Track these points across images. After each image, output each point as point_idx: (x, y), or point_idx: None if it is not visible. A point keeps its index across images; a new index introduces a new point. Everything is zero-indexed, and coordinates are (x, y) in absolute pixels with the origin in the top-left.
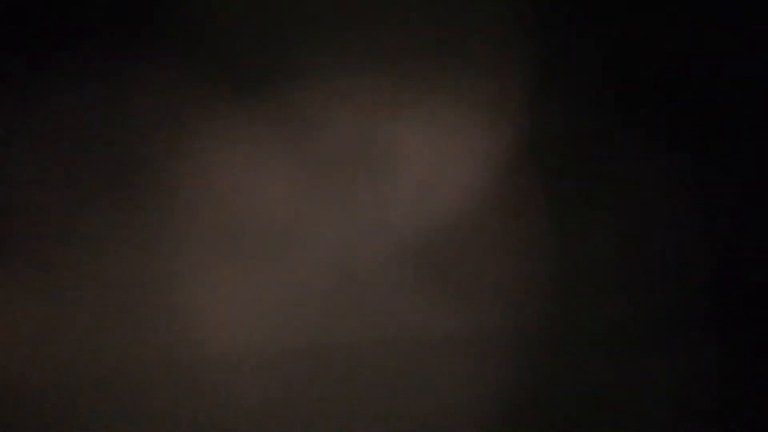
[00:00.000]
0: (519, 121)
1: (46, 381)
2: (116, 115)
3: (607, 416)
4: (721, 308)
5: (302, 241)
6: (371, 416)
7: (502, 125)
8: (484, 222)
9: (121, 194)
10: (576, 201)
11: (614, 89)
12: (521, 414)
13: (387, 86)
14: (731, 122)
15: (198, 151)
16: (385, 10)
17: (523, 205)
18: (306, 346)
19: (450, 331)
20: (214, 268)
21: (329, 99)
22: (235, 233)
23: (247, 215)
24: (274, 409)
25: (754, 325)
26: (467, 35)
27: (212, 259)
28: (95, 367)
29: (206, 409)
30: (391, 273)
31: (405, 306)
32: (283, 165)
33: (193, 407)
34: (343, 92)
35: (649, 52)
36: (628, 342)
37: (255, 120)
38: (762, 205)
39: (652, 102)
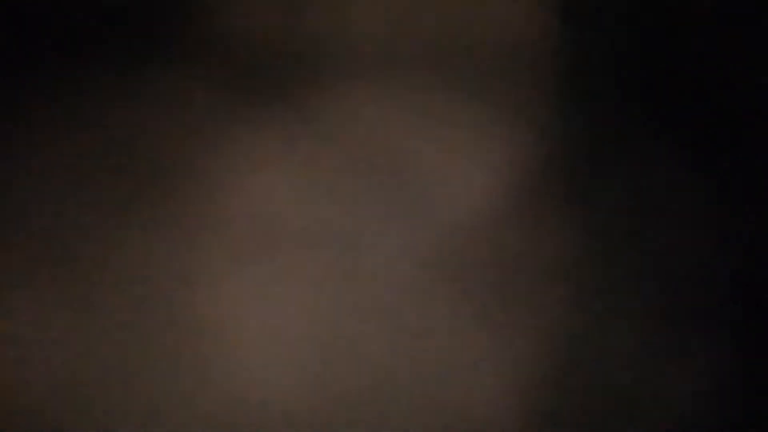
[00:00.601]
0: (541, 128)
1: (68, 378)
2: (143, 119)
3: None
4: (747, 315)
5: (323, 245)
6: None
7: (524, 133)
8: (505, 231)
9: (147, 197)
10: (599, 209)
11: (638, 95)
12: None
13: (407, 93)
14: (762, 128)
15: (223, 156)
16: (405, 17)
17: (546, 215)
18: (328, 352)
19: (471, 343)
20: (240, 268)
21: (352, 105)
22: (259, 235)
23: (270, 217)
24: (291, 406)
25: None
26: (487, 42)
27: (238, 260)
28: (120, 363)
29: (233, 407)
30: (410, 283)
31: (423, 315)
32: (305, 169)
33: (219, 404)
34: (364, 99)
35: (676, 57)
36: (653, 352)
37: (278, 126)
38: None
39: (677, 108)
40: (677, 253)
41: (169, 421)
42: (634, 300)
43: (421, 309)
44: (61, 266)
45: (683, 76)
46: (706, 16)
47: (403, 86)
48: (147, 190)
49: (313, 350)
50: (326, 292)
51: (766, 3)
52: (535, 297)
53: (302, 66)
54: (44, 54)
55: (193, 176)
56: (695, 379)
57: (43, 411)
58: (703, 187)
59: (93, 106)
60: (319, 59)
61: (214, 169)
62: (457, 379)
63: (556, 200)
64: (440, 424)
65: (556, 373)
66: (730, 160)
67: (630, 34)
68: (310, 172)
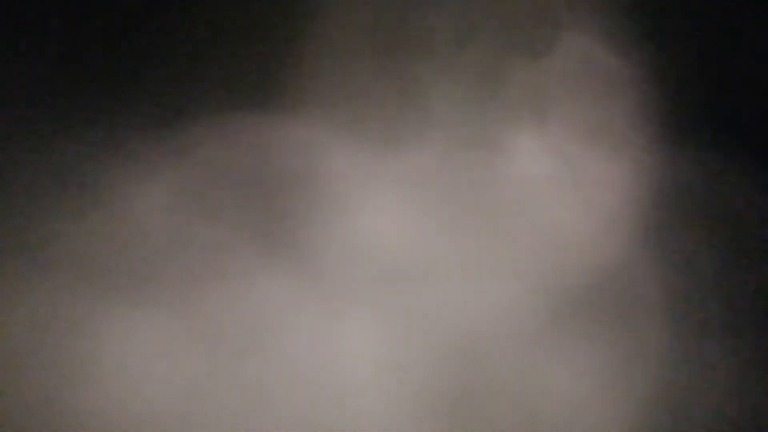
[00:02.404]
0: (646, 167)
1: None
2: (267, 165)
3: None
4: None
5: (438, 283)
6: None
7: (634, 176)
8: (620, 271)
9: (267, 230)
10: (705, 253)
11: (744, 134)
12: None
13: (510, 134)
14: None
15: (337, 196)
16: (512, 63)
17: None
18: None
19: (573, 390)
20: (355, 302)
21: (467, 148)
22: (370, 269)
23: (383, 254)
24: None
25: None
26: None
27: (354, 294)
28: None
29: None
30: (516, 323)
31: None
32: (415, 208)
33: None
34: (468, 141)
35: None
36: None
37: (390, 168)
38: None
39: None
40: None
41: None
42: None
43: (528, 356)
44: (191, 304)
45: None
46: None
47: (509, 128)
48: (268, 227)
49: (434, 386)
50: (444, 330)
51: None
52: (647, 331)
53: (406, 108)
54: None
55: (315, 216)
56: None
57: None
58: None
59: (222, 146)
60: (433, 110)
61: (332, 209)
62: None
63: (665, 247)
64: None
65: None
66: None
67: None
68: (428, 210)
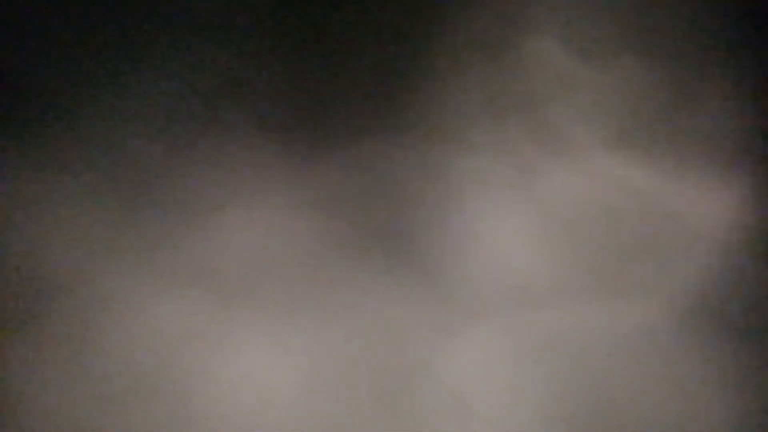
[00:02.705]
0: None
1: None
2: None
3: None
4: None
5: (573, 304)
6: None
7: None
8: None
9: (393, 247)
10: None
11: None
12: None
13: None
14: None
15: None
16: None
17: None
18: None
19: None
20: (485, 323)
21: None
22: (501, 289)
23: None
24: None
25: None
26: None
27: (484, 315)
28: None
29: None
30: (656, 342)
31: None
32: (544, 228)
33: None
34: (586, 168)
35: None
36: None
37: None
38: None
39: None
40: None
41: None
42: None
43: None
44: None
45: None
46: None
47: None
48: (394, 244)
49: (571, 410)
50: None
51: None
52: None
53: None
54: None
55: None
56: None
57: None
58: None
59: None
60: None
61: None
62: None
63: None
64: None
65: None
66: None
67: None
68: (562, 228)
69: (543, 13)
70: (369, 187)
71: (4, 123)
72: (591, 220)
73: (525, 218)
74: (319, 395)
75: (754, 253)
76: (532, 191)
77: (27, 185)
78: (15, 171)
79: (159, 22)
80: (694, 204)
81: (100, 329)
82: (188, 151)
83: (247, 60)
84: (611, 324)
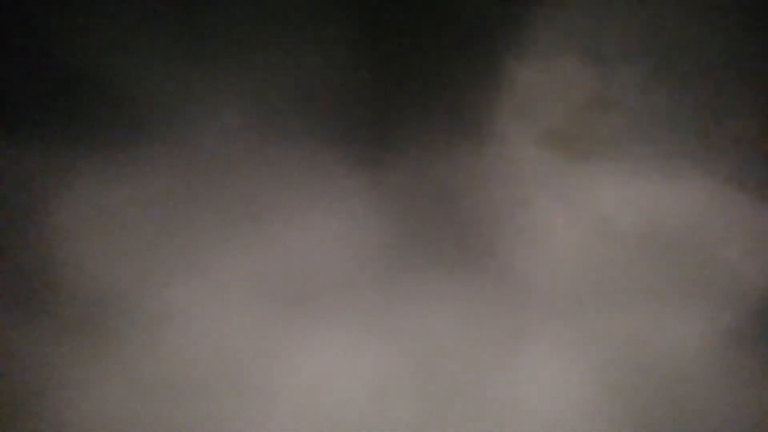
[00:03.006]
0: None
1: None
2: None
3: None
4: None
5: (640, 308)
6: None
7: None
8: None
9: (468, 252)
10: None
11: None
12: None
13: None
14: None
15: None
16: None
17: None
18: None
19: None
20: (551, 327)
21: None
22: (572, 292)
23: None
24: None
25: None
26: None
27: (549, 319)
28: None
29: None
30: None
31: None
32: (613, 232)
33: None
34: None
35: None
36: None
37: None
38: None
39: None
40: None
41: None
42: None
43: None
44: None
45: None
46: None
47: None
48: (469, 247)
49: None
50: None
51: None
52: None
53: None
54: None
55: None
56: None
57: None
58: None
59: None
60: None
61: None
62: None
63: None
64: None
65: None
66: None
67: None
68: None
69: None
70: (438, 196)
71: (78, 128)
72: (662, 224)
73: (592, 226)
74: (393, 404)
75: None
76: (609, 200)
77: (97, 191)
78: (87, 178)
79: (236, 31)
80: (758, 209)
81: (164, 341)
82: (258, 158)
83: (318, 70)
84: (697, 328)
